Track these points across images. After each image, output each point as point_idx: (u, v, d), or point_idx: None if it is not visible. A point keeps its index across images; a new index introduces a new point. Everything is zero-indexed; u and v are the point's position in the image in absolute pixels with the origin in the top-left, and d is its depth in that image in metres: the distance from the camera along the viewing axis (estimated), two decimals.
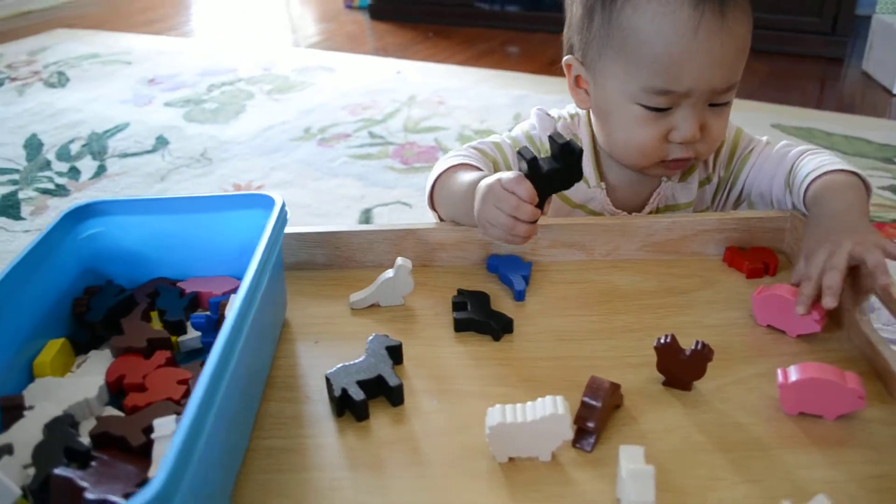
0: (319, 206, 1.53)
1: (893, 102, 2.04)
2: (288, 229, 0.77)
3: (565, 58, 0.82)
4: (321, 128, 1.94)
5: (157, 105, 2.19)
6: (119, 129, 2.01)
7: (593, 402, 0.55)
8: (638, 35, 0.72)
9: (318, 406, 0.61)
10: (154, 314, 0.68)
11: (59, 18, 3.46)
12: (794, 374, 0.57)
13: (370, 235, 0.77)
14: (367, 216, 1.47)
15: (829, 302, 0.63)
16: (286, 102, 2.15)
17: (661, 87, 0.72)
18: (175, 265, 0.73)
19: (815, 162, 0.76)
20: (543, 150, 0.84)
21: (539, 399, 0.53)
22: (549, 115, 0.89)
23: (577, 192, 0.86)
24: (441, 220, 0.80)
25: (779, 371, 0.57)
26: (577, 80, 0.82)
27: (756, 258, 0.75)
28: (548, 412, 0.51)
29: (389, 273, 0.70)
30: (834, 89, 2.17)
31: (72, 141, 1.94)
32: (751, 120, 1.88)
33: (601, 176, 0.86)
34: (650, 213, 0.86)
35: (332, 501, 0.52)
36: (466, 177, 0.75)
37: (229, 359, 0.48)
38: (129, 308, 0.67)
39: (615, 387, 0.57)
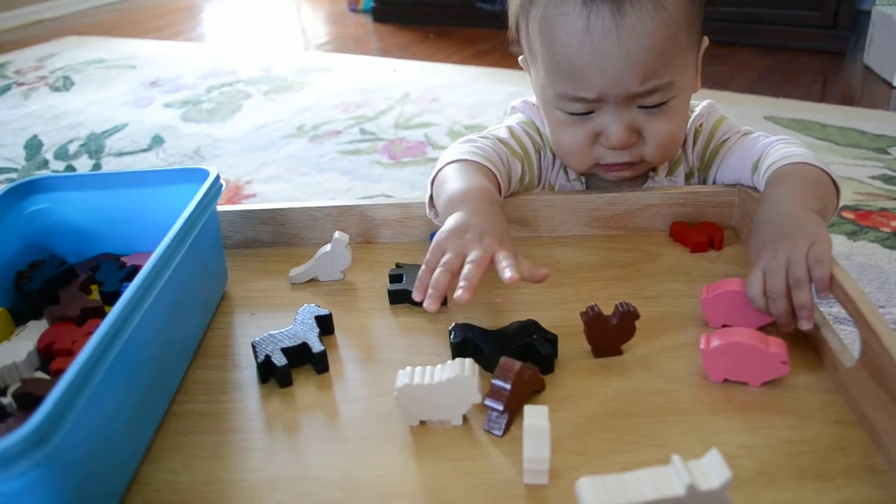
0: (305, 198, 1.54)
1: (894, 95, 2.01)
2: (234, 207, 0.78)
3: (520, 58, 0.80)
4: (314, 125, 1.95)
5: (157, 106, 2.21)
6: (117, 129, 2.04)
7: (502, 385, 0.52)
8: (543, 41, 0.70)
9: (245, 373, 0.61)
10: (95, 287, 0.69)
11: (70, 27, 3.53)
12: (716, 339, 0.56)
13: (314, 212, 0.77)
14: None
15: (805, 325, 0.58)
16: (282, 102, 2.17)
17: (570, 93, 0.70)
18: (120, 240, 0.73)
19: (783, 152, 0.72)
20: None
21: (448, 361, 0.53)
22: (532, 103, 0.85)
23: (558, 184, 0.84)
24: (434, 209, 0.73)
25: (701, 337, 0.56)
26: None
27: (702, 232, 0.74)
28: (454, 374, 0.51)
29: (327, 247, 0.71)
30: (835, 83, 2.15)
31: (70, 141, 1.97)
32: (745, 113, 1.86)
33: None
34: None
35: (243, 461, 0.52)
36: (469, 179, 0.68)
37: (128, 322, 0.48)
38: (69, 280, 0.68)
39: (530, 370, 0.54)
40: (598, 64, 0.67)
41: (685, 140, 0.82)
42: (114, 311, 0.47)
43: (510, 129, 0.81)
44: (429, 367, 0.53)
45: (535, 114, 0.83)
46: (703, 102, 0.84)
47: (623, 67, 0.66)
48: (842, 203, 1.38)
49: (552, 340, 0.59)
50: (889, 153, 1.63)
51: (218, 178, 0.68)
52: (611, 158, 0.74)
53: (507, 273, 0.55)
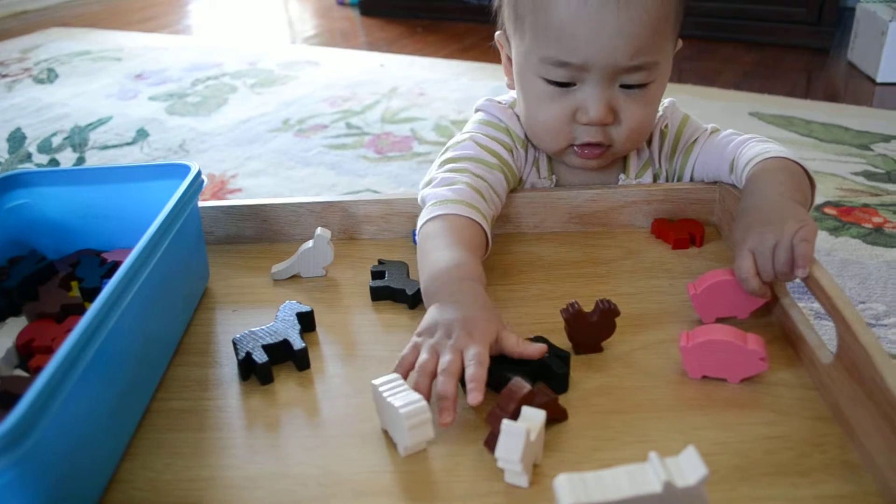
0: (290, 193, 1.53)
1: (877, 91, 2.02)
2: (217, 203, 0.78)
3: (496, 34, 0.79)
4: (299, 119, 1.94)
5: (142, 99, 2.20)
6: (102, 122, 2.02)
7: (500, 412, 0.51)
8: (537, 2, 0.69)
9: (226, 370, 0.61)
10: (75, 283, 0.69)
11: (56, 18, 3.49)
12: (695, 337, 0.56)
13: (297, 208, 0.77)
14: None
15: (801, 273, 0.59)
16: (268, 95, 2.16)
17: (556, 57, 0.69)
18: (101, 236, 0.73)
19: (759, 148, 0.72)
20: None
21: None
22: (498, 102, 0.83)
23: (528, 181, 0.82)
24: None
25: (681, 334, 0.57)
26: (508, 60, 0.79)
27: (683, 229, 0.74)
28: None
29: (309, 244, 0.70)
30: (819, 79, 2.16)
31: (54, 134, 1.96)
32: (730, 109, 1.87)
33: (552, 169, 0.82)
34: None
35: (224, 459, 0.52)
36: (446, 253, 0.64)
37: (107, 318, 0.48)
38: (49, 276, 0.68)
39: (544, 397, 0.52)
40: (592, 30, 0.66)
41: (651, 141, 0.81)
42: (93, 308, 0.47)
43: (476, 142, 0.77)
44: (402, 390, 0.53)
45: (500, 111, 0.80)
46: (664, 101, 0.83)
47: (616, 37, 0.66)
48: (825, 199, 1.40)
49: (565, 358, 0.57)
50: (871, 149, 1.64)
51: (199, 173, 0.68)
52: (585, 137, 0.72)
53: (471, 397, 0.52)
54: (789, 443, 0.51)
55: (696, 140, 0.80)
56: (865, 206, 1.40)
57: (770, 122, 1.79)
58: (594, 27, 0.66)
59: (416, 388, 0.53)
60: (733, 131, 0.79)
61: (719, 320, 0.63)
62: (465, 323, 0.56)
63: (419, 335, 0.58)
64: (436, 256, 0.64)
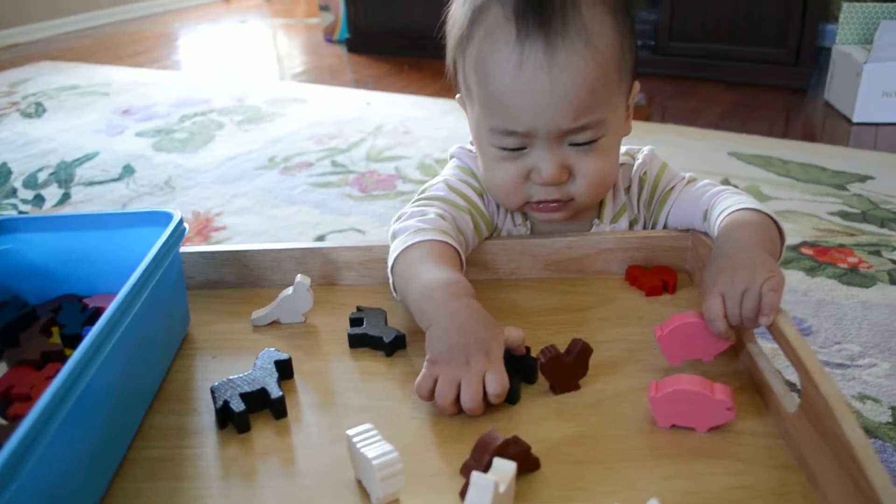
0: (275, 231, 1.54)
1: (853, 131, 2.07)
2: (197, 248, 0.79)
3: (457, 97, 0.82)
4: (285, 157, 1.96)
5: (129, 135, 2.22)
6: (88, 157, 2.04)
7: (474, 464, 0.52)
8: (478, 77, 0.71)
9: (204, 418, 0.62)
10: (56, 329, 0.70)
11: (46, 51, 3.52)
12: (663, 387, 0.58)
13: (277, 254, 0.78)
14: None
15: (765, 321, 0.60)
16: (255, 132, 2.18)
17: (502, 126, 0.71)
18: (83, 282, 0.74)
19: (732, 200, 0.74)
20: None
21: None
22: (469, 150, 0.85)
23: (505, 229, 0.84)
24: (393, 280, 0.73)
25: (650, 384, 0.58)
26: None
27: (656, 276, 0.76)
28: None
29: (289, 290, 0.72)
30: (797, 119, 2.20)
31: (41, 169, 1.97)
32: (709, 149, 1.91)
33: (526, 216, 0.83)
34: None
35: None
36: (434, 272, 0.67)
37: (88, 367, 0.49)
38: (30, 322, 0.69)
39: (517, 447, 0.52)
40: (530, 99, 0.68)
41: (630, 187, 0.83)
42: (73, 358, 0.48)
43: (447, 185, 0.80)
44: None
45: (471, 160, 0.83)
46: (644, 149, 0.86)
47: (554, 103, 0.68)
48: (801, 239, 1.43)
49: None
50: (847, 189, 1.68)
51: (181, 221, 0.69)
52: (541, 195, 0.74)
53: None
54: (755, 492, 0.52)
55: (672, 188, 0.82)
56: (841, 245, 1.43)
57: (749, 162, 1.83)
58: (531, 96, 0.68)
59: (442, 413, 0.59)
60: (710, 182, 0.81)
61: (686, 363, 0.64)
62: (481, 345, 0.60)
63: (433, 362, 0.60)
64: (426, 277, 0.66)
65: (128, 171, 1.93)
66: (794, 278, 1.30)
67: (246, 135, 2.17)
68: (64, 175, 1.92)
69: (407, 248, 0.70)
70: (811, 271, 1.33)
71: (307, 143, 2.06)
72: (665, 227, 0.83)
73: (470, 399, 0.58)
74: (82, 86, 2.79)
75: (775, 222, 0.71)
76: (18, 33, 3.91)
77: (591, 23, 0.67)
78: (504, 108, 0.70)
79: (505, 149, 0.73)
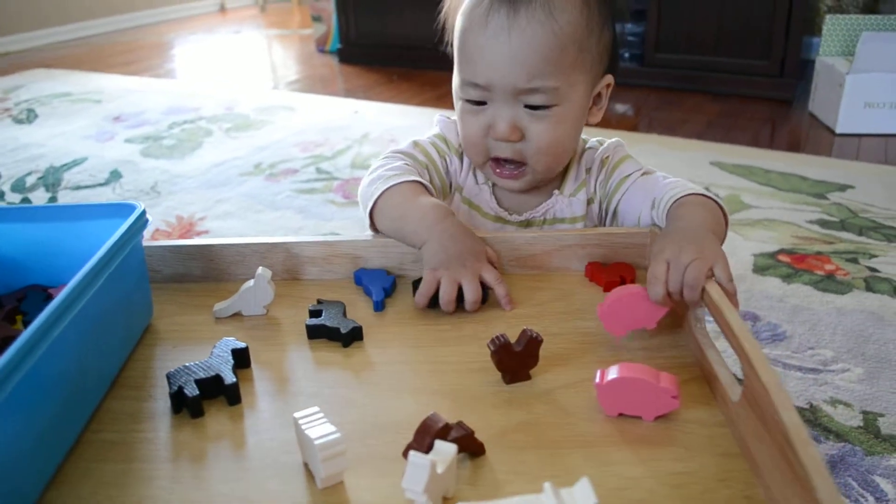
0: (257, 235, 1.55)
1: (836, 141, 2.08)
2: (163, 242, 0.80)
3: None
4: (271, 164, 1.98)
5: (118, 141, 2.23)
6: (76, 162, 2.05)
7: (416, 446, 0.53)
8: (458, 32, 0.80)
9: (159, 404, 0.62)
10: (20, 317, 0.70)
11: (39, 59, 3.54)
12: (608, 374, 0.58)
13: (242, 248, 0.79)
14: None
15: (693, 294, 0.65)
16: (242, 140, 2.20)
17: (468, 78, 0.79)
18: (49, 272, 0.75)
19: (681, 188, 0.79)
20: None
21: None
22: (451, 119, 0.93)
23: (467, 187, 0.91)
24: (372, 223, 0.82)
25: (597, 372, 0.59)
26: None
27: (614, 272, 0.77)
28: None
29: (251, 283, 0.72)
30: (782, 130, 2.22)
31: (29, 174, 1.98)
32: (692, 159, 1.92)
33: (488, 175, 0.89)
34: (534, 221, 0.90)
35: (148, 490, 0.53)
36: (423, 199, 0.79)
37: (37, 346, 0.50)
38: None
39: (460, 431, 0.54)
40: (490, 55, 0.77)
41: (591, 168, 0.90)
42: (22, 336, 0.49)
43: (414, 143, 0.91)
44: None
45: (449, 127, 0.92)
46: (612, 139, 0.93)
47: (509, 62, 0.76)
48: (779, 246, 1.44)
49: None
50: (827, 198, 1.69)
51: (144, 213, 0.70)
52: (498, 151, 0.82)
53: (509, 307, 0.74)
54: (696, 478, 0.53)
55: (628, 176, 0.87)
56: (819, 253, 1.44)
57: (731, 172, 1.84)
58: (492, 52, 0.77)
59: (447, 309, 0.72)
60: (664, 175, 0.86)
61: (636, 345, 0.67)
62: (473, 252, 0.74)
63: (434, 269, 0.73)
64: (414, 206, 0.78)
65: (115, 175, 1.95)
66: (770, 285, 1.31)
67: (233, 142, 2.18)
68: (52, 179, 1.94)
69: (389, 188, 0.80)
70: (787, 278, 1.34)
71: (293, 150, 2.08)
72: (615, 212, 0.88)
73: (472, 292, 0.71)
74: (75, 93, 2.81)
75: (721, 208, 0.77)
76: (12, 41, 3.93)
77: (557, 1, 0.76)
78: (469, 61, 0.79)
79: (469, 101, 0.81)
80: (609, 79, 0.84)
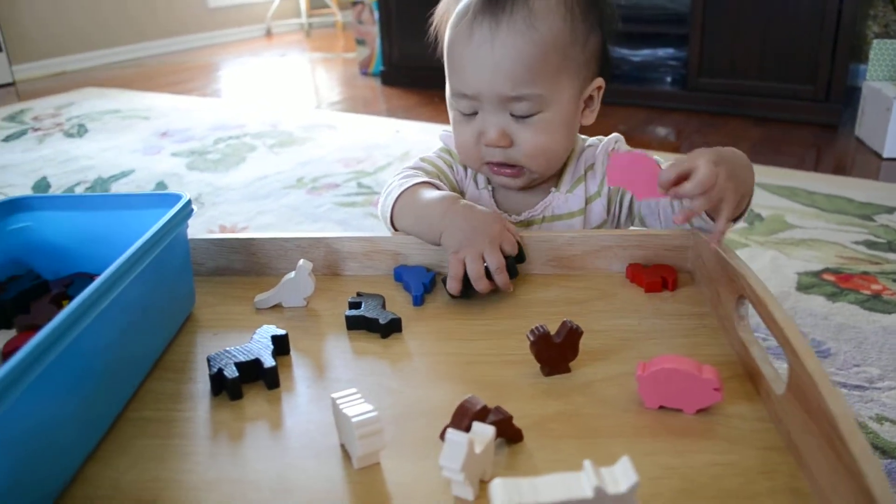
0: None
1: (883, 166, 2.05)
2: (207, 235, 0.81)
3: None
4: (313, 178, 2.00)
5: (165, 155, 2.28)
6: (124, 174, 2.10)
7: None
8: (445, 44, 0.83)
9: (199, 386, 0.63)
10: (66, 302, 0.72)
11: (91, 79, 3.65)
12: (650, 365, 0.58)
13: (284, 243, 0.80)
14: None
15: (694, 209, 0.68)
16: (286, 155, 2.23)
17: (457, 89, 0.82)
18: (97, 260, 0.76)
19: None
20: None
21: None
22: (451, 132, 0.94)
23: (468, 192, 0.93)
24: (395, 230, 0.84)
25: (638, 364, 0.58)
26: None
27: (656, 273, 0.76)
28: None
29: (292, 274, 0.73)
30: (827, 154, 2.19)
31: (78, 184, 2.03)
32: None
33: (489, 180, 0.92)
34: (533, 220, 0.91)
35: (185, 464, 0.54)
36: (430, 193, 0.82)
37: (72, 328, 0.50)
38: (42, 293, 0.71)
39: (498, 415, 0.53)
40: (475, 65, 0.80)
41: (594, 165, 0.91)
42: (63, 312, 0.50)
43: (423, 159, 0.94)
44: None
45: (450, 140, 0.94)
46: (611, 135, 0.94)
47: (493, 72, 0.79)
48: (824, 266, 1.41)
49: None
50: (874, 220, 1.66)
51: (189, 202, 0.71)
52: (489, 156, 0.84)
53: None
54: (738, 469, 0.52)
55: None
56: (865, 273, 1.41)
57: (774, 192, 1.82)
58: (477, 63, 0.79)
59: (480, 288, 0.73)
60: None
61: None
62: (488, 225, 0.75)
63: (456, 251, 0.74)
64: (423, 204, 0.80)
65: (161, 187, 1.99)
66: (815, 303, 1.29)
67: (277, 157, 2.22)
68: (99, 189, 1.98)
69: (403, 191, 0.83)
70: (832, 297, 1.31)
71: (335, 165, 2.10)
72: (630, 206, 0.89)
73: (494, 259, 0.72)
74: (124, 110, 2.89)
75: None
76: (66, 62, 4.07)
77: (538, 10, 0.78)
78: (457, 73, 0.82)
79: (462, 112, 0.84)
80: (599, 82, 0.86)
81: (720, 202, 0.67)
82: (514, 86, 0.78)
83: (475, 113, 0.83)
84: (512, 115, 0.81)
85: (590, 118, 0.87)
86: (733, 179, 0.68)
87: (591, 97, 0.86)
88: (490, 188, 0.93)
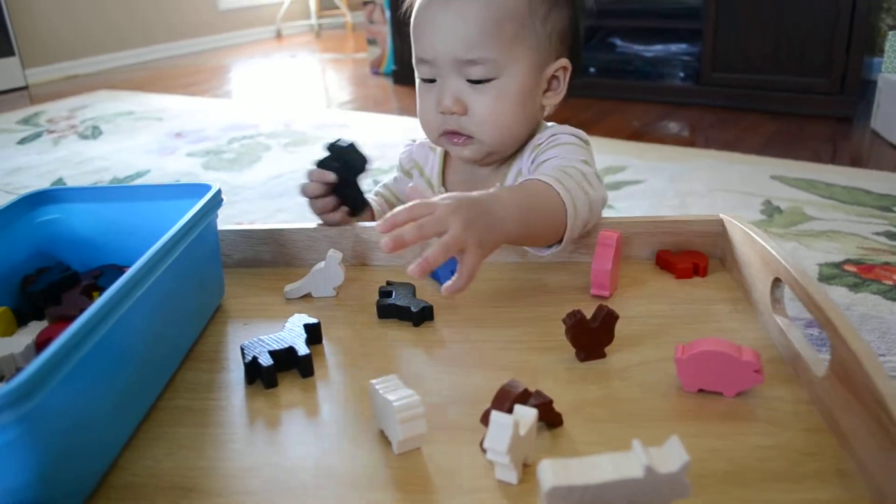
0: None
1: None
2: (235, 227, 0.81)
3: None
4: None
5: (180, 155, 2.28)
6: (139, 174, 2.10)
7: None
8: (412, 14, 0.85)
9: (233, 375, 0.63)
10: (96, 294, 0.72)
11: (104, 81, 3.67)
12: (690, 348, 0.57)
13: (312, 233, 0.80)
14: None
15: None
16: (300, 154, 2.23)
17: (417, 54, 0.84)
18: (125, 252, 0.76)
19: (551, 166, 0.79)
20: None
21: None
22: (406, 148, 1.02)
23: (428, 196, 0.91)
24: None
25: (677, 347, 0.58)
26: None
27: (686, 260, 0.76)
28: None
29: (321, 264, 0.73)
30: (843, 147, 2.17)
31: (94, 184, 2.04)
32: (752, 173, 1.89)
33: (443, 180, 0.94)
34: None
35: (222, 452, 0.54)
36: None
37: (106, 319, 0.50)
38: (73, 284, 0.71)
39: (537, 397, 0.53)
40: (432, 29, 0.81)
41: (541, 144, 0.86)
42: (97, 303, 0.49)
43: (399, 164, 1.02)
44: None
45: (402, 155, 1.01)
46: (572, 129, 0.88)
47: (450, 34, 0.80)
48: (845, 257, 1.40)
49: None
50: (893, 211, 1.64)
51: (219, 192, 0.71)
52: (447, 125, 0.84)
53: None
54: (782, 452, 0.51)
55: (544, 162, 0.84)
56: (887, 263, 1.39)
57: (791, 185, 1.81)
58: (434, 26, 0.81)
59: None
60: (584, 161, 0.82)
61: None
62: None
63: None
64: None
65: None
66: (837, 294, 1.28)
67: (291, 156, 2.22)
68: None
69: None
70: (855, 287, 1.30)
71: None
72: None
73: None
74: (137, 112, 2.89)
75: (564, 201, 0.72)
76: (79, 65, 4.09)
77: None
78: (418, 40, 0.84)
79: (423, 80, 0.85)
80: (564, 62, 0.85)
81: (460, 252, 0.64)
82: (468, 48, 0.80)
83: (434, 81, 0.84)
84: (468, 82, 0.81)
85: (553, 100, 0.87)
86: (473, 228, 0.64)
87: (555, 77, 0.85)
88: (444, 189, 0.93)
